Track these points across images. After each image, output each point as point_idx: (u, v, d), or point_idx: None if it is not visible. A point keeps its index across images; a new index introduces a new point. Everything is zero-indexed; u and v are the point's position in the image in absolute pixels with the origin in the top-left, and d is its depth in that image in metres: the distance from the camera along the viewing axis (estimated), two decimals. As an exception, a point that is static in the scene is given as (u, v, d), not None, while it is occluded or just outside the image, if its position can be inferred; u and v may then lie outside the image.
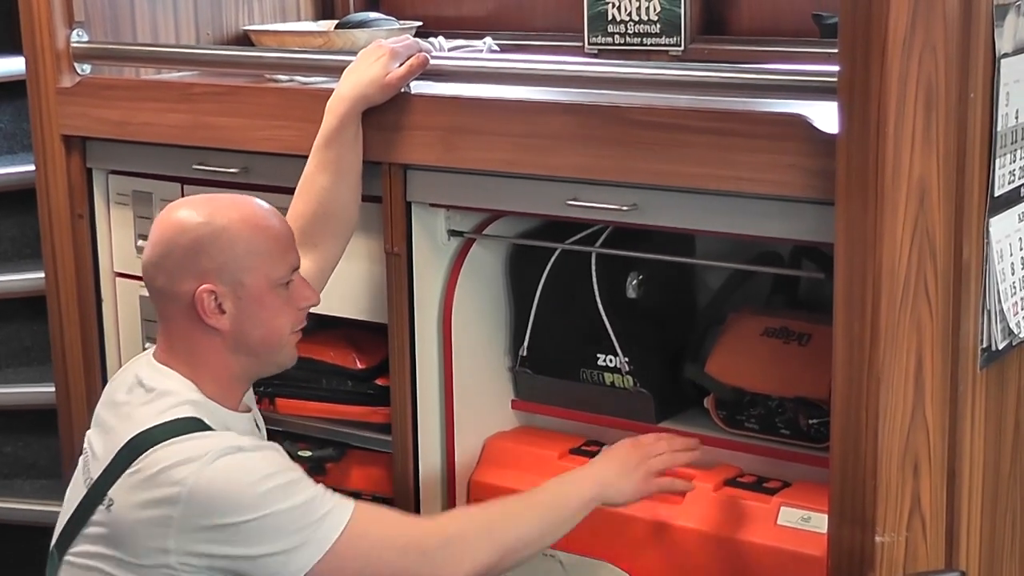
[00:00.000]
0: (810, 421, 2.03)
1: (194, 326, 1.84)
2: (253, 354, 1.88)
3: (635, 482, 1.94)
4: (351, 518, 1.77)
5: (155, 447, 1.76)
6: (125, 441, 1.79)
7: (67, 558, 1.84)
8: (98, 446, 1.86)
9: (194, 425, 1.79)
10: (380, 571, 1.79)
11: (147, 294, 2.46)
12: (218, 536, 1.73)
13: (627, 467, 1.94)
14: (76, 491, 1.86)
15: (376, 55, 2.07)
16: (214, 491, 1.72)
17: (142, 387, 1.86)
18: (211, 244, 1.83)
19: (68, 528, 1.84)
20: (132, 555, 1.76)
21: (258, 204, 1.91)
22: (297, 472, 1.80)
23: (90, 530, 1.81)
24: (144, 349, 2.53)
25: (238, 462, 1.75)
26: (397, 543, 1.79)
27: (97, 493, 1.80)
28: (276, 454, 1.81)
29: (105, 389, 1.98)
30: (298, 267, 1.90)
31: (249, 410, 1.94)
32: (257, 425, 2.00)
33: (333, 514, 1.76)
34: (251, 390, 1.98)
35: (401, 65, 2.06)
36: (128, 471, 1.77)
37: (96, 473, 1.82)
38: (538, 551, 1.91)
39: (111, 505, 1.78)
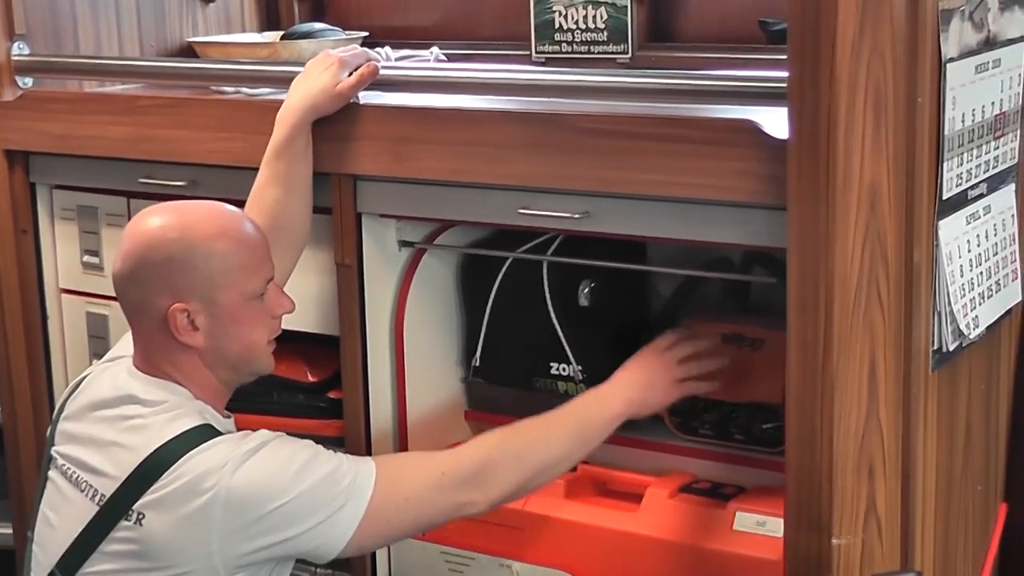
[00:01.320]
0: (764, 426, 2.04)
1: (170, 340, 1.83)
2: (231, 367, 1.87)
3: (660, 393, 1.96)
4: (377, 470, 1.81)
5: (183, 459, 1.76)
6: (144, 456, 1.78)
7: None
8: (97, 462, 1.83)
9: (210, 432, 1.80)
10: (421, 510, 1.83)
11: (94, 310, 2.47)
12: (261, 528, 1.75)
13: (651, 379, 1.96)
14: (76, 510, 1.83)
15: (325, 64, 2.05)
16: (249, 488, 1.74)
17: (138, 401, 1.83)
18: (184, 261, 1.80)
19: (77, 547, 1.81)
20: (172, 565, 1.75)
21: (232, 214, 1.87)
22: (313, 446, 1.82)
23: (112, 547, 1.79)
24: (91, 366, 2.50)
25: (263, 456, 1.77)
26: (430, 480, 1.83)
27: (117, 509, 1.78)
28: (287, 438, 1.82)
29: (68, 403, 1.93)
30: (272, 276, 1.88)
31: (231, 415, 1.93)
32: None
33: (361, 472, 1.80)
34: None
35: (351, 74, 2.04)
36: (157, 484, 1.76)
37: (108, 490, 1.79)
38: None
39: (142, 519, 1.76)
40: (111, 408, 1.85)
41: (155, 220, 1.84)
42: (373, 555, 2.20)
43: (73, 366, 2.54)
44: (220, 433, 1.81)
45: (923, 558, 1.91)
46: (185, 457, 1.76)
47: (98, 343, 2.48)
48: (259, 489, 1.75)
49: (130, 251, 1.83)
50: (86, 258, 2.48)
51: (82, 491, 1.84)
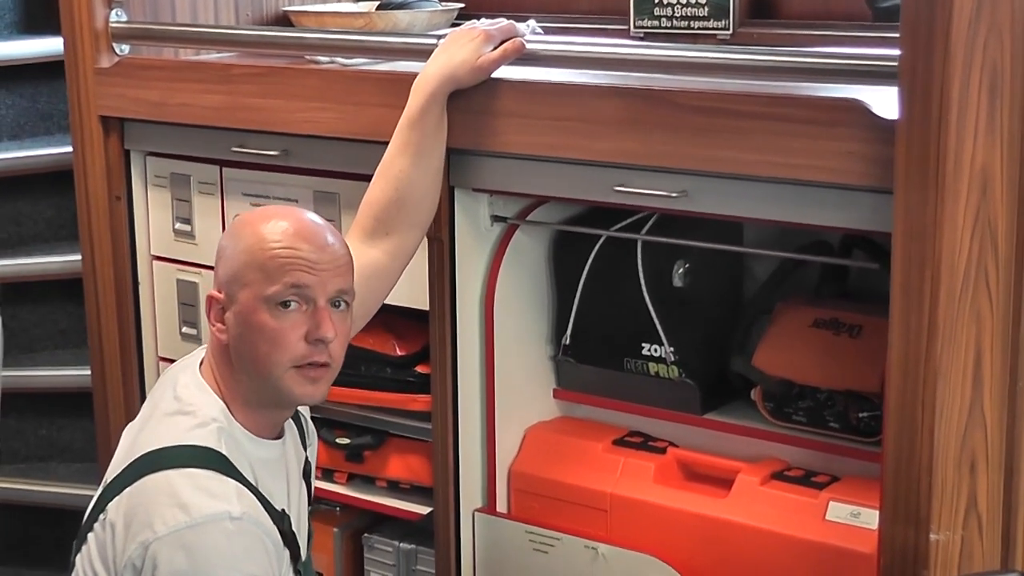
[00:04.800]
0: (860, 415, 1.99)
1: (212, 329, 1.77)
2: (251, 377, 1.74)
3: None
4: None
5: (160, 471, 1.68)
6: (140, 454, 1.72)
7: (75, 559, 1.76)
8: (125, 442, 1.79)
9: (207, 459, 1.69)
10: None
11: (184, 277, 2.49)
12: None
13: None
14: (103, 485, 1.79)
15: (469, 36, 1.99)
16: (179, 560, 1.64)
17: (175, 395, 1.77)
18: (223, 250, 1.76)
19: (83, 524, 1.76)
20: None
21: (300, 222, 1.75)
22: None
23: (90, 537, 1.74)
24: (181, 333, 2.52)
25: (216, 540, 1.64)
26: None
27: (103, 501, 1.72)
28: (253, 543, 1.68)
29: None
30: (312, 295, 1.71)
31: (280, 436, 1.82)
32: (305, 436, 1.91)
33: None
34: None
35: (494, 49, 1.99)
36: (129, 489, 1.69)
37: (111, 476, 1.75)
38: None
39: (105, 519, 1.71)
40: (160, 394, 1.80)
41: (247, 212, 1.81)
42: (457, 531, 2.19)
43: (163, 333, 2.55)
44: (223, 464, 1.70)
45: (1024, 557, 1.86)
46: (165, 471, 1.67)
47: (188, 310, 2.49)
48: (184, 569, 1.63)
49: None
50: (178, 225, 2.49)
51: (111, 468, 1.77)
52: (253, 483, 1.73)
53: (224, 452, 1.71)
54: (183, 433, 1.72)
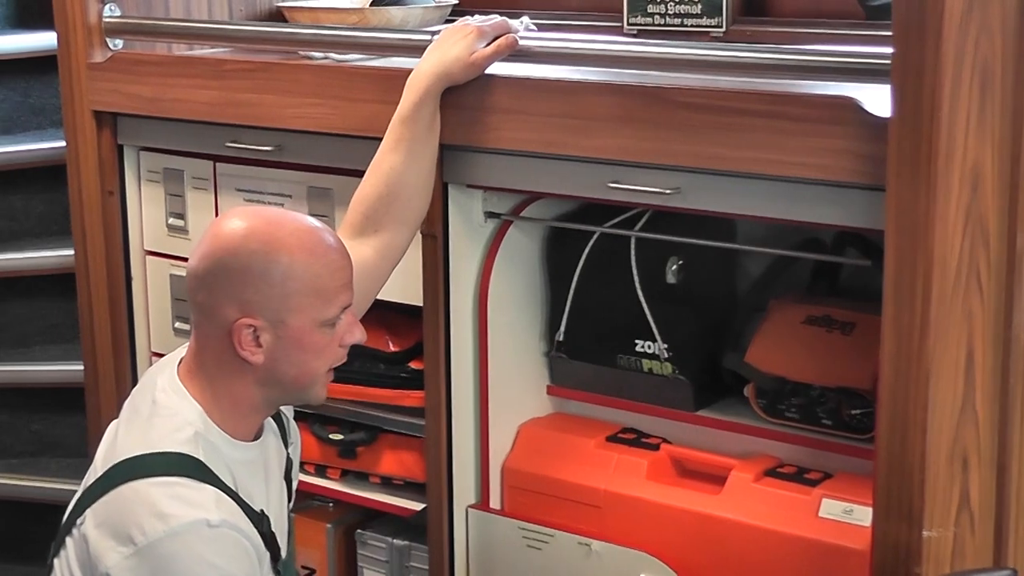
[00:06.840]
0: (852, 411, 1.99)
1: (227, 351, 1.73)
2: (282, 389, 1.78)
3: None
4: None
5: (137, 480, 1.68)
6: (118, 460, 1.71)
7: (52, 561, 1.75)
8: (104, 446, 1.78)
9: (184, 466, 1.69)
10: None
11: (178, 273, 2.48)
12: None
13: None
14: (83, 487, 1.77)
15: (462, 33, 1.99)
16: (159, 570, 1.64)
17: (152, 398, 1.76)
18: (260, 276, 1.70)
19: (62, 527, 1.75)
20: None
21: (321, 234, 1.76)
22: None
23: (68, 541, 1.73)
24: (174, 329, 2.52)
25: (194, 547, 1.65)
26: None
27: (81, 505, 1.72)
28: (234, 549, 1.68)
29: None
30: (350, 303, 1.78)
31: (258, 437, 1.82)
32: (287, 434, 1.91)
33: None
34: None
35: (487, 45, 1.98)
36: (106, 497, 1.69)
37: (89, 480, 1.74)
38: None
39: (83, 526, 1.70)
40: (141, 397, 1.80)
41: (240, 224, 1.73)
42: (451, 528, 2.19)
43: (156, 328, 2.55)
44: (200, 470, 1.70)
45: (1016, 555, 1.86)
46: (141, 480, 1.67)
47: (182, 306, 2.49)
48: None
49: (208, 252, 1.73)
50: (171, 220, 2.49)
51: (91, 471, 1.77)
52: (232, 486, 1.73)
53: (201, 457, 1.71)
54: (159, 439, 1.71)
